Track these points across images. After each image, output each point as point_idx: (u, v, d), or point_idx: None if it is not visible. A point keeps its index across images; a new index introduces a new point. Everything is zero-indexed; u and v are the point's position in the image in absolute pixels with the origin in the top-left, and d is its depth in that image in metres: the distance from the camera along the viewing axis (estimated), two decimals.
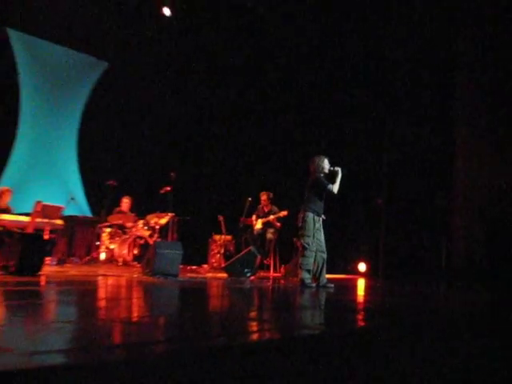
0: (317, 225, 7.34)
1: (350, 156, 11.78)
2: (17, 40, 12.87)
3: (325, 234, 7.52)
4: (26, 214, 9.05)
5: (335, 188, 7.37)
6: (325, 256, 7.35)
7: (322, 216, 7.50)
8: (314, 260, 7.31)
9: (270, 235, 10.46)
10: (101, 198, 11.23)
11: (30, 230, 8.42)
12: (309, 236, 7.26)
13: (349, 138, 12.13)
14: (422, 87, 11.35)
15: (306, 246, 7.28)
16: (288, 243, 10.64)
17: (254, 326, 3.54)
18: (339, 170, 7.47)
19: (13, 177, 12.37)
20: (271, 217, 10.45)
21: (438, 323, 4.19)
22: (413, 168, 11.41)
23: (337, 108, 12.26)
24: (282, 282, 8.66)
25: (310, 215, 7.31)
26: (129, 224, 10.97)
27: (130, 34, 13.01)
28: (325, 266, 7.35)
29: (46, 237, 8.60)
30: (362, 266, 11.88)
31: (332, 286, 7.26)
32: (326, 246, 7.44)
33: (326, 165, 7.54)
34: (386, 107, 11.97)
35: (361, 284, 9.23)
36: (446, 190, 10.90)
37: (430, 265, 10.68)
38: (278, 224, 10.44)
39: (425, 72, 11.26)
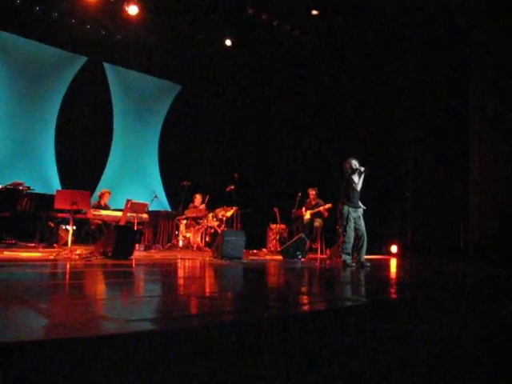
0: (353, 214, 7.26)
1: (383, 159, 11.68)
2: (110, 71, 13.19)
3: (365, 222, 7.43)
4: (119, 210, 9.27)
5: (358, 186, 7.36)
6: (364, 239, 7.26)
7: (362, 206, 7.42)
8: (354, 242, 7.26)
9: (317, 224, 10.41)
10: (178, 196, 11.37)
11: (122, 223, 8.61)
12: (345, 224, 7.22)
13: (381, 147, 12.00)
14: (438, 84, 11.07)
15: (344, 233, 7.24)
16: (332, 230, 10.57)
17: (305, 299, 3.52)
18: (362, 169, 7.36)
19: (109, 180, 12.69)
20: (321, 208, 10.39)
21: (456, 295, 4.08)
22: (434, 165, 11.20)
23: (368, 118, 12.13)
24: (328, 262, 8.59)
25: (346, 207, 7.25)
26: (201, 216, 11.10)
27: (199, 61, 13.14)
28: (364, 247, 7.26)
29: (135, 228, 8.77)
30: (394, 248, 11.70)
31: (368, 265, 7.10)
32: (367, 232, 7.36)
33: (353, 166, 7.45)
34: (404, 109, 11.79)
35: (393, 263, 9.07)
36: (462, 182, 10.65)
37: (449, 246, 10.48)
38: (326, 213, 10.38)
39: (440, 68, 10.92)
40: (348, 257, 7.19)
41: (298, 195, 10.52)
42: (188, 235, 10.77)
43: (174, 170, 13.53)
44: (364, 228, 7.31)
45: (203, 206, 11.22)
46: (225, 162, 14.00)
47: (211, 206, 11.28)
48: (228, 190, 10.72)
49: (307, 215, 10.60)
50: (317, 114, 13.31)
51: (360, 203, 7.45)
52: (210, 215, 10.96)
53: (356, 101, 12.40)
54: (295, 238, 9.17)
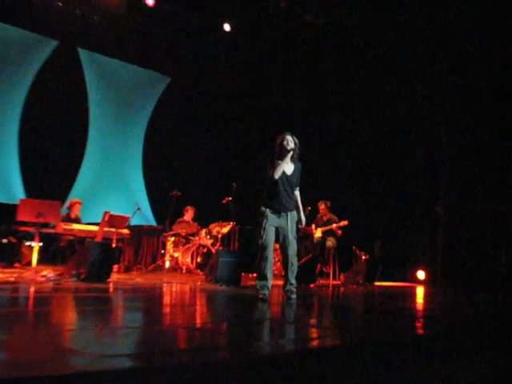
0: (272, 221, 6.04)
1: (410, 164, 11.67)
2: (86, 59, 13.20)
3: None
4: (95, 224, 9.26)
5: (277, 174, 6.00)
6: (290, 260, 6.01)
7: (297, 213, 6.21)
8: (284, 264, 6.16)
9: (329, 243, 10.39)
10: (165, 208, 11.36)
11: (98, 239, 8.60)
12: (260, 235, 6.05)
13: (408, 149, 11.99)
14: (475, 95, 11.10)
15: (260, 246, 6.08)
16: (347, 251, 10.57)
17: (314, 332, 3.51)
18: (289, 146, 6.00)
19: (83, 189, 12.66)
20: (334, 225, 10.35)
21: (496, 333, 4.06)
22: (472, 176, 11.15)
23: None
24: (342, 289, 8.57)
25: (262, 210, 6.14)
26: (192, 233, 11.09)
27: (193, 49, 13.18)
28: (290, 271, 6.02)
29: (114, 245, 8.76)
30: (420, 274, 11.62)
31: (294, 297, 5.87)
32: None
33: (284, 143, 6.05)
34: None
35: (419, 292, 9.04)
36: (507, 198, 10.61)
37: (488, 273, 10.41)
38: (340, 232, 10.35)
39: (479, 79, 10.98)
40: (259, 282, 5.98)
41: (307, 209, 10.48)
42: (176, 255, 10.75)
43: (161, 178, 13.52)
44: (292, 244, 6.02)
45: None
46: (222, 168, 14.00)
47: (204, 221, 11.27)
48: (225, 201, 10.71)
49: (318, 233, 10.60)
50: (330, 114, 13.30)
51: (291, 207, 6.17)
52: (203, 232, 10.94)
53: (379, 102, 12.39)
54: (303, 259, 9.16)
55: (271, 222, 6.03)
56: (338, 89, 12.92)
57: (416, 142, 12.06)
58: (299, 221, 6.26)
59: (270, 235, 6.01)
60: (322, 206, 10.71)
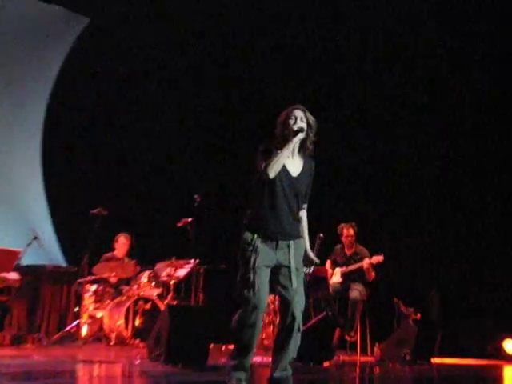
0: (265, 257, 5.48)
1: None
2: None
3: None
4: None
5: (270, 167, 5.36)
6: (296, 322, 5.43)
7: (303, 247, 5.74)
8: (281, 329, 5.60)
9: (355, 293, 10.31)
10: (81, 238, 11.28)
11: None
12: (242, 277, 5.56)
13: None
14: None
15: (241, 298, 5.55)
16: (385, 307, 10.51)
17: None
18: (297, 126, 5.50)
19: None
20: (365, 263, 10.19)
21: None
22: None
23: None
24: (377, 370, 8.53)
25: (248, 236, 5.58)
26: (126, 277, 11.01)
27: None
28: (291, 343, 5.46)
29: None
30: (509, 345, 11.55)
31: None
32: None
33: (290, 122, 5.58)
34: None
35: (510, 375, 9.01)
36: None
37: None
38: (373, 274, 10.26)
39: None
40: (234, 374, 5.38)
41: (319, 237, 10.38)
42: (100, 315, 10.69)
43: (75, 187, 13.42)
44: (298, 295, 5.50)
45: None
46: (176, 170, 13.95)
47: (148, 258, 11.23)
48: (181, 224, 10.67)
49: (336, 277, 10.56)
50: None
51: (295, 233, 5.65)
52: (145, 276, 10.90)
53: None
54: (312, 320, 9.09)
55: (264, 258, 5.44)
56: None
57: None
58: (307, 258, 5.76)
59: (261, 283, 5.42)
60: (348, 231, 10.63)
